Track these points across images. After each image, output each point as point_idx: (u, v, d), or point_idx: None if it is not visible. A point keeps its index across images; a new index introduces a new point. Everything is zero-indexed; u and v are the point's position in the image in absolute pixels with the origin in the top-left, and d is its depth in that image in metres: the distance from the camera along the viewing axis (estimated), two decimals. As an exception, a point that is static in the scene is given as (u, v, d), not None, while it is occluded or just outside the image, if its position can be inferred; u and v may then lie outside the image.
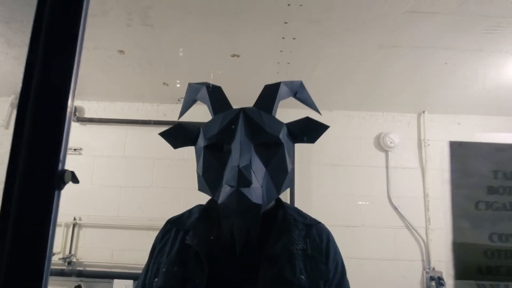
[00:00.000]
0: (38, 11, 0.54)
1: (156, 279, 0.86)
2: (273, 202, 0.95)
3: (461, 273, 0.49)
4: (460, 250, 0.50)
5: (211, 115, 0.99)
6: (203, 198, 0.99)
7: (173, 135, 0.99)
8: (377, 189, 2.73)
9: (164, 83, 2.45)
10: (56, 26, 0.54)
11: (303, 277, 0.83)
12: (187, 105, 1.05)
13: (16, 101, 2.02)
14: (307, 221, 0.97)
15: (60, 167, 0.50)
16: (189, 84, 1.06)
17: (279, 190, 0.91)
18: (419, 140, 2.81)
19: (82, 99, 2.84)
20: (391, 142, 2.75)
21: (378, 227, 2.68)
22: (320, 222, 1.00)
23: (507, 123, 2.74)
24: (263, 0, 1.51)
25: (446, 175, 0.51)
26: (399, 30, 1.66)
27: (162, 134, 0.99)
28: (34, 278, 0.47)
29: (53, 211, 0.49)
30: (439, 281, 2.52)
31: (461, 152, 0.52)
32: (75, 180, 0.53)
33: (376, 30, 1.67)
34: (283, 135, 0.93)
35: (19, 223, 0.48)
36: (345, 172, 2.76)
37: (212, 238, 0.89)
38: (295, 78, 2.23)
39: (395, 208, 2.70)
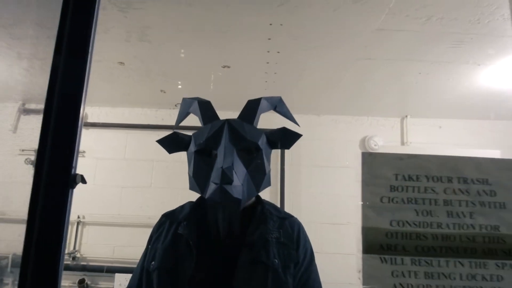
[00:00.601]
0: (59, 34, 0.73)
1: (153, 262, 1.02)
2: (253, 199, 1.11)
3: (368, 249, 0.67)
4: (368, 232, 0.67)
5: (201, 125, 1.13)
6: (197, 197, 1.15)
7: (168, 142, 1.13)
8: (362, 189, 2.89)
9: (161, 90, 2.63)
10: (73, 45, 0.73)
11: (276, 260, 0.98)
12: (182, 116, 1.20)
13: (23, 107, 2.24)
14: (281, 215, 1.12)
15: (73, 171, 0.68)
16: (183, 99, 1.20)
17: (258, 188, 1.06)
18: (402, 142, 2.98)
19: (86, 105, 3.02)
20: (375, 145, 2.92)
21: (363, 225, 2.84)
22: (293, 216, 1.15)
23: (483, 125, 2.91)
24: (247, 20, 1.69)
25: (359, 176, 0.69)
26: (371, 45, 1.84)
27: (159, 142, 1.13)
28: (54, 259, 0.65)
29: (68, 205, 0.67)
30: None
31: (371, 160, 0.69)
32: (83, 181, 0.71)
33: (351, 45, 1.85)
34: (262, 142, 1.08)
35: (44, 213, 0.66)
36: (332, 173, 2.93)
37: (200, 228, 1.05)
38: (282, 86, 2.43)
39: (379, 207, 2.86)
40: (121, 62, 2.18)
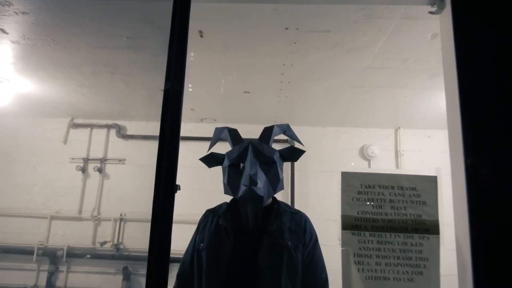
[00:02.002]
0: (168, 66, 1.18)
1: (202, 244, 1.40)
2: (271, 200, 1.48)
3: (344, 227, 1.16)
4: (345, 218, 1.17)
5: (231, 147, 1.53)
6: (222, 198, 1.48)
7: (208, 159, 1.49)
8: (361, 190, 3.37)
9: (191, 109, 3.16)
10: (175, 76, 1.19)
11: (289, 243, 1.34)
12: (214, 142, 1.53)
13: (72, 122, 2.91)
14: (293, 211, 1.55)
15: (175, 182, 1.19)
16: (216, 128, 1.58)
17: (275, 190, 1.42)
18: (396, 151, 3.45)
19: (124, 119, 3.57)
20: (372, 153, 3.39)
21: (362, 221, 3.32)
22: (301, 211, 1.56)
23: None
24: (265, 62, 2.20)
25: (339, 186, 1.19)
26: (363, 78, 2.33)
27: (202, 159, 1.53)
28: (168, 242, 1.12)
29: (173, 204, 1.17)
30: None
31: (347, 176, 1.19)
32: (179, 188, 1.22)
33: (346, 78, 2.35)
34: (276, 157, 1.47)
35: (162, 212, 1.16)
36: (335, 177, 3.39)
37: (234, 220, 1.48)
38: (292, 105, 2.94)
39: (376, 206, 3.34)
40: (161, 89, 2.70)
